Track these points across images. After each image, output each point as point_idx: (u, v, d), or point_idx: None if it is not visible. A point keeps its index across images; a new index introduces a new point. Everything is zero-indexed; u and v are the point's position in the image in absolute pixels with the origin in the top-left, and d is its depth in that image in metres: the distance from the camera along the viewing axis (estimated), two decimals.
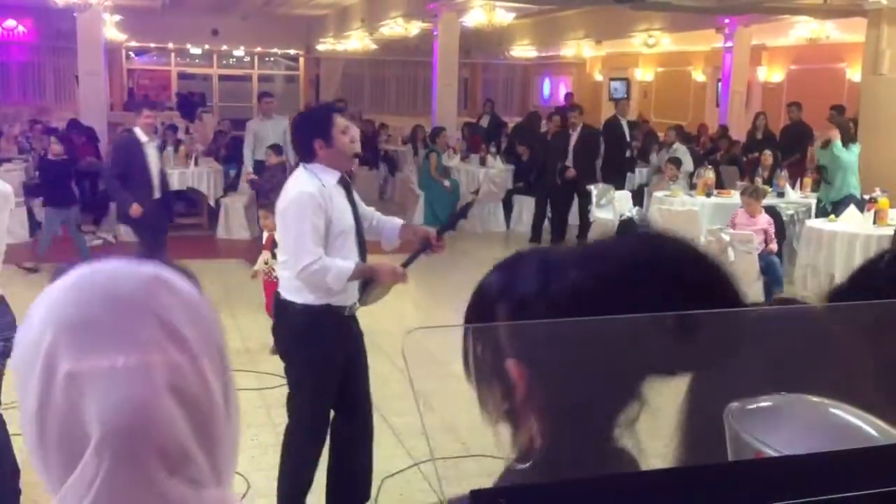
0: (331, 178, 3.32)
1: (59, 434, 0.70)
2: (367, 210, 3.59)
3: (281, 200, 3.35)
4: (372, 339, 5.81)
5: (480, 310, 0.91)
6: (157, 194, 6.74)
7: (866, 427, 0.71)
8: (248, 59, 23.86)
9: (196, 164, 10.68)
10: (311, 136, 3.33)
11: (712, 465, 0.66)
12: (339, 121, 3.35)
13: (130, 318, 0.72)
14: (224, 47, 22.63)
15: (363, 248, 3.45)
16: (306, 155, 3.36)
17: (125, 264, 0.77)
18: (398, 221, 3.63)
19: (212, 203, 10.51)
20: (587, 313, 0.81)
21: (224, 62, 23.79)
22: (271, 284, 5.87)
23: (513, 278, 0.89)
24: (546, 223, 10.29)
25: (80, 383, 0.69)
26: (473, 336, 0.90)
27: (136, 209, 6.44)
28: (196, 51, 22.79)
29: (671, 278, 0.84)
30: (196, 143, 12.29)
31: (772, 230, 7.18)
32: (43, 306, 0.74)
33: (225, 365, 0.79)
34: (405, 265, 3.34)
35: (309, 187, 3.26)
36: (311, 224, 3.22)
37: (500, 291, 0.89)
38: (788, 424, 0.73)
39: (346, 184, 3.39)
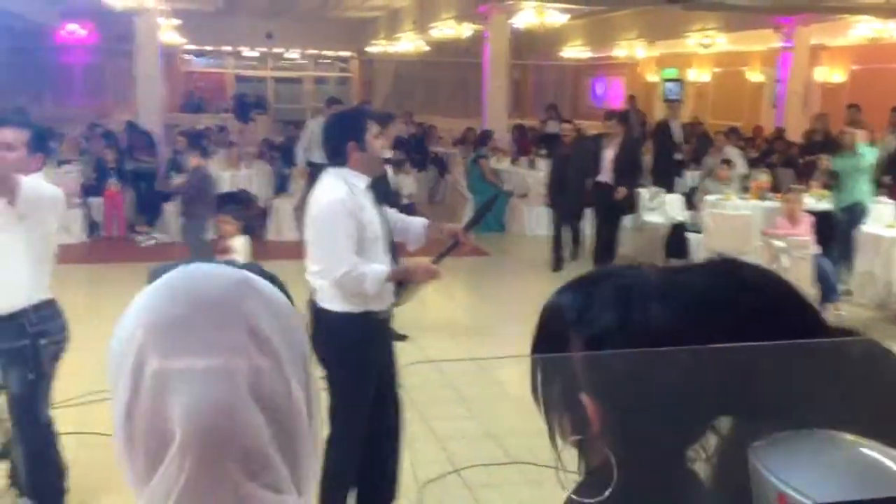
0: (360, 182, 3.31)
1: (146, 431, 0.71)
2: (391, 212, 3.58)
3: (312, 208, 3.33)
4: (417, 343, 5.83)
5: (551, 334, 0.86)
6: None
7: None
8: (302, 61, 24.14)
9: (247, 166, 10.81)
10: (344, 138, 3.31)
11: None
12: (373, 125, 3.35)
13: (218, 321, 0.73)
14: (278, 50, 22.94)
15: (393, 254, 3.45)
16: (337, 157, 3.33)
17: (216, 267, 0.78)
18: (423, 221, 3.62)
19: (261, 205, 10.62)
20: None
21: (278, 64, 24.11)
22: None
23: (588, 305, 0.83)
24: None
25: (165, 382, 0.71)
26: (542, 367, 0.86)
27: None
28: (252, 53, 23.14)
29: (763, 319, 0.77)
30: (247, 145, 12.42)
31: (811, 230, 6.94)
32: (136, 306, 0.76)
33: (308, 374, 0.78)
34: (436, 262, 3.35)
35: (339, 193, 3.24)
36: (345, 232, 3.21)
37: (574, 318, 0.84)
38: (816, 463, 0.69)
39: (374, 189, 3.38)
